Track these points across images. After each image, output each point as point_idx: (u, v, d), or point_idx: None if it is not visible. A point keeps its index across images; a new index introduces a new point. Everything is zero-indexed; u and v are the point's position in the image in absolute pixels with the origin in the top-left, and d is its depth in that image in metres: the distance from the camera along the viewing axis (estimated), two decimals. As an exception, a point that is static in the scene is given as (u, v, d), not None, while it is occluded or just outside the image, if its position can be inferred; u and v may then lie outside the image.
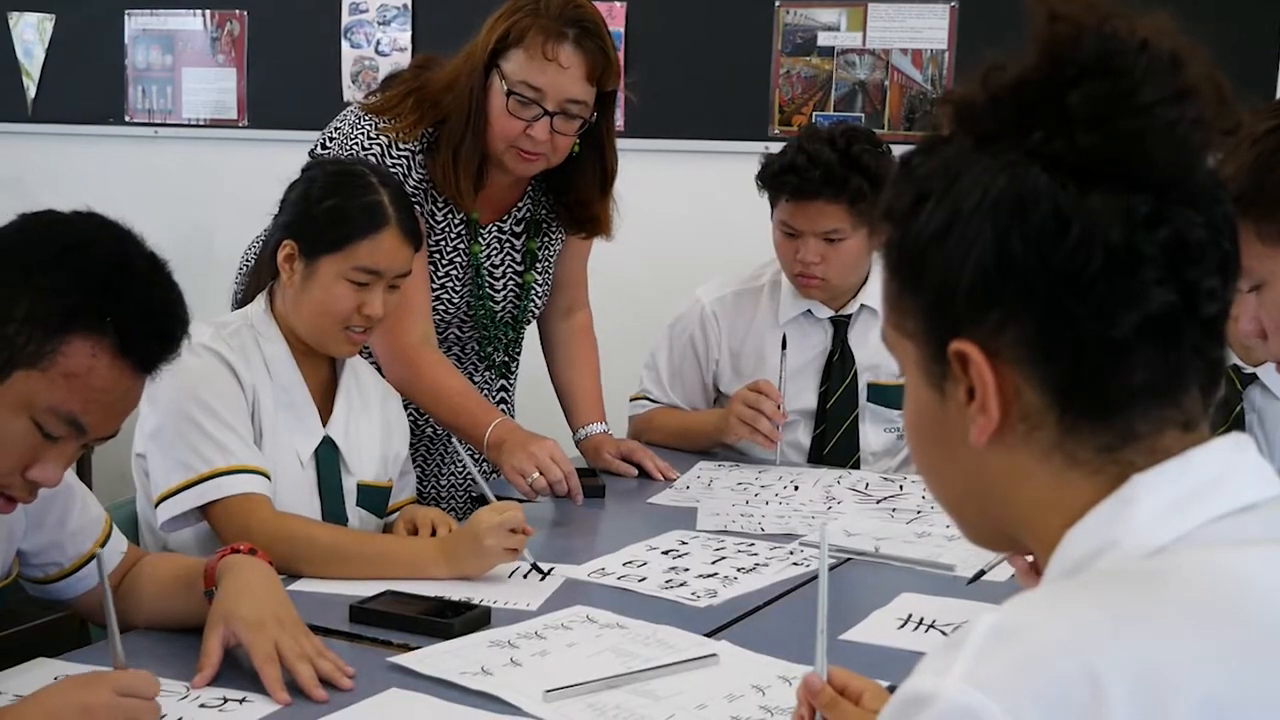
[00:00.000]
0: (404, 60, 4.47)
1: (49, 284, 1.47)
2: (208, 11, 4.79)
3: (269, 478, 2.08)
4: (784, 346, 2.78)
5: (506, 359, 2.80)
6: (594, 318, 2.91)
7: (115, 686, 1.41)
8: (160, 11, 4.87)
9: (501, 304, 2.71)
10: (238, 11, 4.75)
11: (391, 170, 2.48)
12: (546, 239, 2.74)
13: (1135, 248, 0.83)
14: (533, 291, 2.73)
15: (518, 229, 2.70)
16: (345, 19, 4.59)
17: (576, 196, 2.66)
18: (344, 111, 2.64)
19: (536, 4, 2.44)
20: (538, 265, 2.73)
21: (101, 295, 1.48)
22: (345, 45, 4.60)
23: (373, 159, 2.48)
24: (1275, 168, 1.38)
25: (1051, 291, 0.84)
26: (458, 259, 2.63)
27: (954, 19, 3.87)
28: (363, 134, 2.53)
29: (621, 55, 4.01)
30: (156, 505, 2.05)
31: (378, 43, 4.54)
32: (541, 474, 2.37)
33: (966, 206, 0.86)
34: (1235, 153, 1.37)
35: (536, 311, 2.78)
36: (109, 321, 1.48)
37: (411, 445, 2.48)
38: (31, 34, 5.03)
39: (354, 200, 2.13)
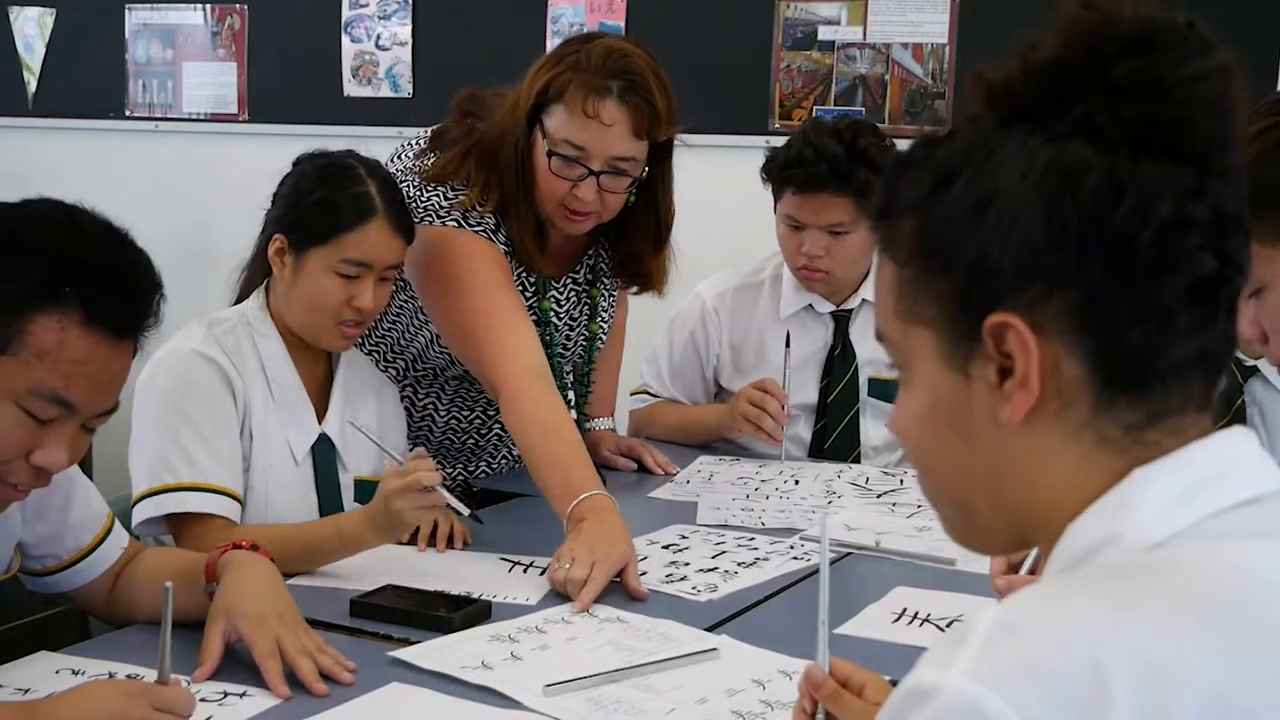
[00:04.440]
0: (404, 55, 4.47)
1: (0, 271, 1.45)
2: (208, 6, 4.79)
3: (240, 501, 2.06)
4: (788, 345, 2.78)
5: (577, 416, 2.60)
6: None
7: (153, 700, 1.40)
8: (161, 6, 4.87)
9: (569, 357, 2.60)
10: (238, 6, 4.75)
11: None
12: (603, 285, 2.61)
13: (1186, 215, 0.84)
14: (597, 341, 2.63)
15: (590, 278, 2.58)
16: (345, 13, 4.58)
17: (629, 249, 2.51)
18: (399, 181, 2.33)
19: (578, 55, 2.26)
20: (600, 315, 2.62)
21: (56, 270, 1.46)
22: (345, 40, 4.59)
23: None
24: (1273, 167, 1.37)
25: (1104, 258, 0.84)
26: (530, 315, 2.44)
27: (954, 13, 3.86)
28: (433, 211, 2.35)
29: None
30: (132, 507, 2.05)
31: (378, 37, 4.54)
32: (571, 570, 1.92)
33: (1007, 181, 0.86)
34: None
35: (596, 362, 2.66)
36: (69, 293, 1.45)
37: (409, 438, 2.47)
38: (32, 28, 5.02)
39: (342, 192, 2.12)
